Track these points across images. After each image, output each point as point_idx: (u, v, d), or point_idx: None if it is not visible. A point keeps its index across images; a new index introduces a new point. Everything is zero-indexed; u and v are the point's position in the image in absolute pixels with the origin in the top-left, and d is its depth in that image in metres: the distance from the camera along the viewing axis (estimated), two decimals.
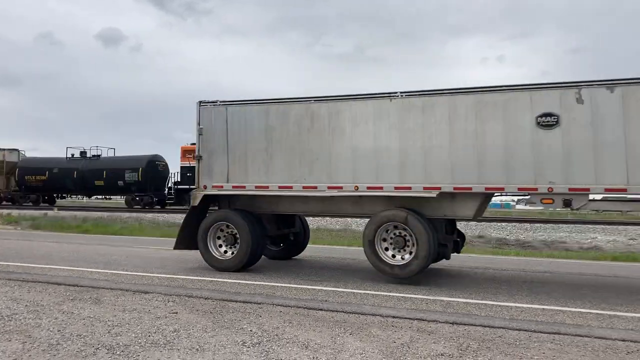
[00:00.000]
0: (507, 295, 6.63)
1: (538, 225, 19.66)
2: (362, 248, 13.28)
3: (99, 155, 34.32)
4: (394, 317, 5.34)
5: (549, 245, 15.63)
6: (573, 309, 5.81)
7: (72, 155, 34.68)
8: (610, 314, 5.58)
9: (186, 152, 31.53)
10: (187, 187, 30.80)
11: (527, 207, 26.88)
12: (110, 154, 35.12)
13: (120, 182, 32.14)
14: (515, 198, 34.11)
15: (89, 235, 16.33)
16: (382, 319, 5.25)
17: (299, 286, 7.01)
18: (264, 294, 6.42)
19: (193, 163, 32.92)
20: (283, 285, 7.09)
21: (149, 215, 24.11)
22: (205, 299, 6.12)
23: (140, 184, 31.89)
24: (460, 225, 10.56)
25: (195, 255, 10.74)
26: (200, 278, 7.60)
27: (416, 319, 5.28)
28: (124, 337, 4.52)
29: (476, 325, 5.04)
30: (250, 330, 4.76)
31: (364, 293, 6.59)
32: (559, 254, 13.32)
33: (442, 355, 4.15)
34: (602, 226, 19.20)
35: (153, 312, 5.43)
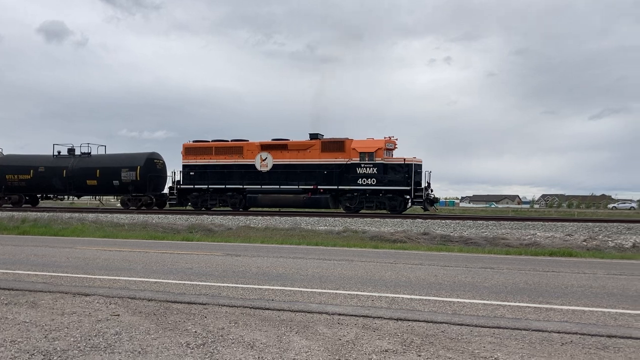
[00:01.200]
0: (450, 290, 6.80)
1: (480, 222, 20.25)
2: (310, 246, 13.38)
3: (89, 153, 32.06)
4: (340, 314, 5.38)
5: (490, 242, 16.09)
6: (512, 303, 6.01)
7: (59, 152, 32.30)
8: (546, 307, 5.81)
9: (190, 150, 30.14)
10: (191, 186, 29.23)
11: (471, 205, 27.67)
12: (101, 151, 32.88)
13: (115, 182, 30.18)
14: (459, 196, 35.11)
15: (28, 237, 15.70)
16: (328, 317, 5.28)
17: (245, 286, 6.96)
18: (210, 294, 6.34)
19: (197, 161, 29.35)
20: (229, 285, 7.03)
21: (141, 217, 23.40)
22: (149, 300, 5.99)
23: (138, 183, 29.99)
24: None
25: (140, 255, 10.51)
26: (144, 279, 7.43)
27: (362, 315, 5.33)
28: (61, 341, 4.36)
29: (420, 321, 5.14)
30: (195, 332, 4.69)
31: (311, 291, 6.61)
32: (500, 250, 13.75)
33: (386, 351, 4.20)
34: (541, 223, 19.99)
35: (94, 314, 5.27)
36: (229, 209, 28.83)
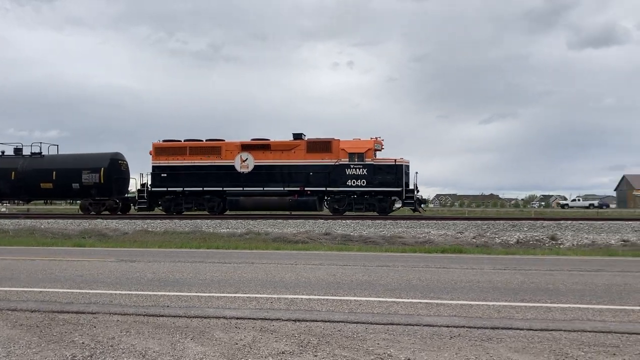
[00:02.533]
0: (347, 289, 6.93)
1: (379, 222, 20.86)
2: (210, 250, 13.13)
3: (41, 153, 29.06)
4: (237, 318, 5.31)
5: (388, 240, 16.63)
6: (406, 300, 6.23)
7: (3, 152, 28.98)
8: (437, 303, 6.08)
9: (161, 150, 27.64)
10: (164, 189, 27.41)
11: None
12: (53, 151, 29.61)
13: (75, 185, 27.58)
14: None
15: None
16: (225, 321, 5.19)
17: (140, 293, 6.69)
18: (101, 303, 6.03)
19: (170, 162, 26.95)
20: (122, 292, 6.72)
21: (28, 222, 21.52)
22: (32, 311, 5.59)
23: (101, 186, 27.65)
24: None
25: (24, 264, 9.80)
26: (27, 289, 6.93)
27: (260, 318, 5.30)
28: None
29: (317, 321, 5.19)
30: (82, 343, 4.43)
31: (209, 296, 6.47)
32: (396, 248, 14.24)
33: (283, 353, 4.20)
34: (435, 221, 20.93)
35: None
36: (205, 212, 27.27)
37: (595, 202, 71.89)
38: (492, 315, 5.46)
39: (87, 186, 27.58)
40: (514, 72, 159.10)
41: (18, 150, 29.28)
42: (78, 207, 29.81)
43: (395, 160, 26.06)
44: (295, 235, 17.20)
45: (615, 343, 4.42)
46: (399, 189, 25.69)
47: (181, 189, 27.09)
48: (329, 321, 5.19)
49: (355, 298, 6.34)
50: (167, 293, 6.66)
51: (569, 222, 20.89)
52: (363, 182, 25.83)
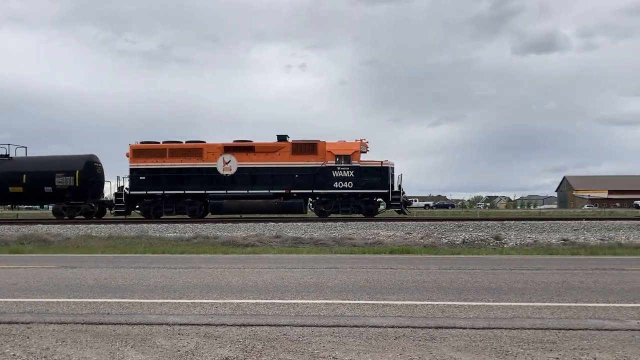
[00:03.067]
0: (295, 292, 6.89)
1: (329, 224, 20.92)
2: (155, 255, 12.82)
3: (8, 155, 27.50)
4: (181, 324, 5.18)
5: (338, 242, 16.68)
6: (352, 301, 6.25)
7: None
8: (383, 303, 6.12)
9: (139, 152, 26.87)
10: (143, 192, 26.45)
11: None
12: (21, 153, 27.89)
13: (48, 189, 26.15)
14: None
15: None
16: (168, 328, 5.06)
17: (79, 300, 6.45)
18: (36, 312, 5.77)
19: (149, 164, 25.86)
20: (61, 300, 6.46)
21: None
22: None
23: (77, 189, 26.39)
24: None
25: None
26: None
27: (204, 324, 5.19)
28: None
29: (263, 325, 5.13)
30: (14, 355, 4.22)
31: (152, 302, 6.30)
32: (346, 249, 14.30)
33: (227, 359, 4.12)
34: (384, 222, 21.16)
35: None
36: (185, 216, 26.38)
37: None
38: (437, 315, 5.53)
39: (61, 190, 26.41)
40: (461, 76, 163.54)
41: None
42: (51, 210, 28.39)
43: (381, 162, 26.24)
44: (245, 239, 17.02)
45: (552, 339, 4.55)
46: (386, 191, 25.95)
47: (161, 192, 26.38)
48: (275, 325, 5.13)
49: (302, 301, 6.30)
50: (109, 300, 6.44)
51: (513, 222, 21.53)
52: (350, 184, 25.90)
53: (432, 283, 7.70)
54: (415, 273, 8.84)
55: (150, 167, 26.50)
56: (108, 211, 28.64)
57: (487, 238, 17.52)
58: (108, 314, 5.68)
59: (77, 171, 26.53)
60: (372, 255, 12.72)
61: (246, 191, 25.96)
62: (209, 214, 26.98)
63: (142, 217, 26.89)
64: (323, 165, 25.87)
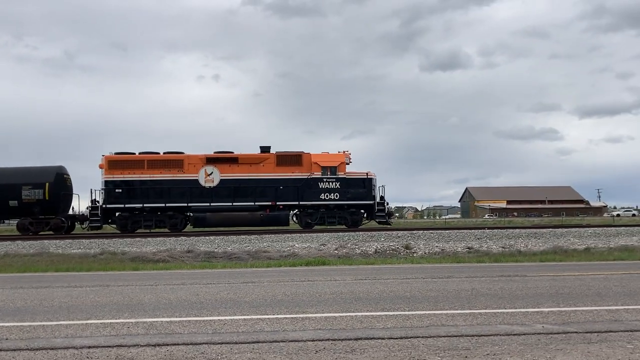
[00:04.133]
0: (211, 309, 6.70)
1: (244, 237, 20.67)
2: (59, 273, 12.06)
3: None
4: (89, 347, 4.87)
5: (253, 256, 16.50)
6: (271, 316, 6.16)
7: None
8: (302, 317, 6.08)
9: (114, 164, 25.46)
10: (121, 205, 24.97)
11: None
12: None
13: (13, 202, 24.14)
14: None
15: None
16: (76, 351, 4.74)
17: None
18: None
19: (125, 176, 24.41)
20: None
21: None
22: None
23: (46, 203, 24.48)
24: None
25: None
26: None
27: (115, 345, 4.91)
28: None
29: (179, 344, 4.93)
30: None
31: (56, 324, 5.89)
32: (261, 263, 14.16)
33: None
34: (299, 234, 21.20)
35: None
36: (164, 230, 24.91)
37: None
38: (355, 326, 5.57)
39: (28, 203, 24.53)
40: (372, 92, 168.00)
41: None
42: (16, 226, 26.37)
43: (367, 173, 26.57)
44: (155, 254, 16.42)
45: (466, 346, 4.71)
46: (371, 202, 26.25)
47: (140, 205, 25.19)
48: (191, 344, 4.95)
49: (219, 317, 6.14)
50: (6, 324, 5.95)
51: (421, 231, 22.29)
52: (336, 196, 26.00)
53: (349, 294, 7.77)
54: (332, 284, 8.89)
55: (127, 179, 25.51)
56: (77, 225, 27.11)
57: (398, 247, 18.02)
58: (6, 339, 5.24)
59: (47, 184, 24.78)
60: (288, 267, 12.68)
61: (230, 203, 25.45)
62: (188, 227, 26.34)
63: (117, 231, 25.55)
64: (309, 177, 25.95)
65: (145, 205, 25.34)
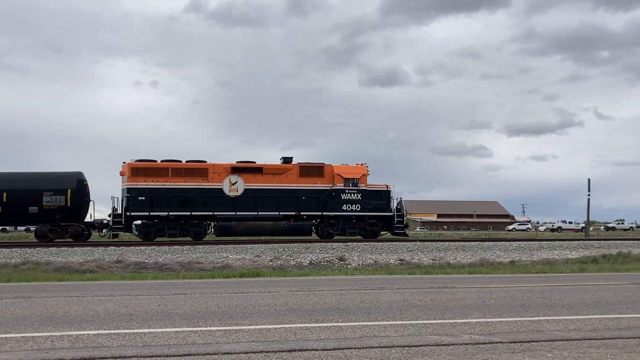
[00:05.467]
0: (141, 321, 6.52)
1: (176, 247, 20.24)
2: None
3: None
4: None
5: (185, 267, 16.18)
6: (204, 328, 6.06)
7: None
8: (235, 329, 6.02)
9: (138, 171, 24.94)
10: (145, 213, 24.56)
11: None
12: None
13: (33, 208, 23.34)
14: None
15: None
16: None
17: None
18: None
19: (149, 184, 23.95)
20: None
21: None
22: None
23: (67, 210, 23.78)
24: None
25: None
26: None
27: None
28: None
29: (107, 358, 4.77)
30: None
31: None
32: (194, 274, 13.91)
33: None
34: (233, 246, 20.97)
35: None
36: (185, 239, 24.56)
37: None
38: (289, 338, 5.57)
39: (49, 210, 23.74)
40: (311, 104, 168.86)
41: None
42: (34, 233, 25.43)
43: (386, 186, 27.40)
44: (82, 264, 15.79)
45: (397, 356, 4.81)
46: (390, 214, 26.94)
47: (165, 213, 24.88)
48: (120, 357, 4.80)
49: (149, 330, 5.98)
50: None
51: (355, 243, 22.56)
52: (357, 207, 26.48)
53: (284, 306, 7.76)
54: (267, 296, 8.85)
55: (152, 186, 25.05)
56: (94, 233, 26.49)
57: (332, 259, 18.17)
58: None
59: (69, 190, 24.14)
60: (222, 279, 12.51)
61: (255, 213, 25.52)
62: (208, 236, 26.04)
63: (138, 239, 25.41)
64: (332, 188, 26.46)
65: (170, 213, 25.07)
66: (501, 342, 5.35)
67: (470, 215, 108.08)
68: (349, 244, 22.38)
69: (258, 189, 25.93)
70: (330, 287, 10.39)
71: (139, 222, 25.68)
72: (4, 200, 23.72)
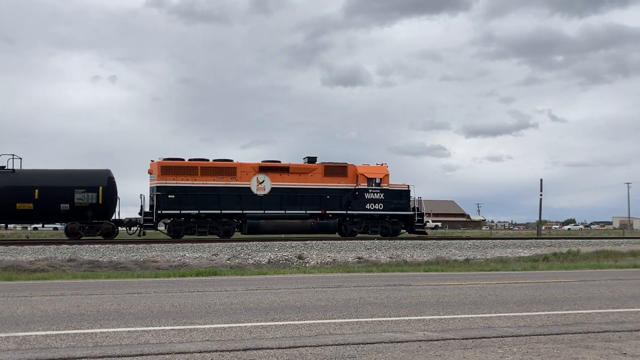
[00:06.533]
0: (93, 321, 6.36)
1: (131, 245, 19.85)
2: None
3: (12, 169, 23.82)
4: None
5: (141, 265, 15.90)
6: (157, 328, 5.96)
7: None
8: (190, 328, 5.94)
9: (167, 169, 25.27)
10: (177, 211, 24.89)
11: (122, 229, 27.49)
12: (16, 165, 24.03)
13: (64, 206, 23.34)
14: None
15: None
16: None
17: None
18: None
19: (178, 182, 23.84)
20: None
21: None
22: None
23: (99, 207, 24.02)
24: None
25: None
26: None
27: None
28: None
29: (56, 359, 4.64)
30: None
31: None
32: (149, 273, 13.67)
33: None
34: (190, 244, 20.72)
35: None
36: (210, 237, 24.82)
37: None
38: (244, 337, 5.54)
39: (80, 207, 23.81)
40: (274, 102, 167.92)
41: None
42: (65, 230, 25.25)
43: (407, 185, 28.31)
44: (32, 263, 15.32)
45: (352, 354, 4.84)
46: (411, 213, 27.92)
47: (196, 211, 25.23)
48: (69, 358, 4.67)
49: (101, 330, 5.84)
50: None
51: (314, 242, 22.61)
52: (380, 206, 27.31)
53: (240, 305, 7.71)
54: (223, 295, 8.77)
55: (181, 185, 25.33)
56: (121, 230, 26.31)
57: (291, 257, 18.17)
58: None
59: (101, 187, 24.26)
60: (177, 278, 12.34)
61: (284, 211, 26.10)
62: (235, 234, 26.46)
63: (167, 236, 25.78)
64: (356, 187, 27.22)
65: (201, 211, 25.36)
66: (454, 339, 5.45)
67: (427, 214, 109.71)
68: (307, 242, 22.41)
69: (284, 187, 26.59)
70: (287, 285, 10.38)
71: (168, 220, 25.98)
72: (36, 197, 23.50)
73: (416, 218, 28.16)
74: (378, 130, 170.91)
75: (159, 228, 26.81)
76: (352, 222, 27.47)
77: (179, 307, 7.44)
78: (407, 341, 5.33)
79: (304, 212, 26.52)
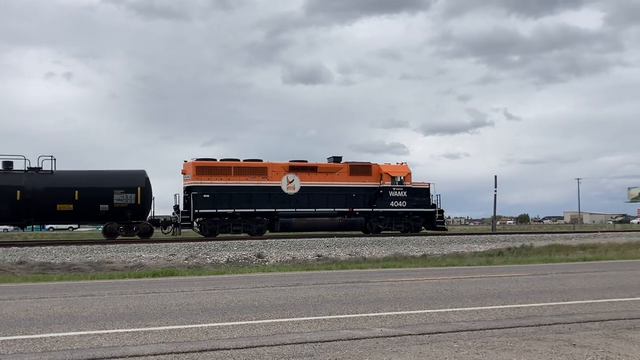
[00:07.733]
0: (43, 325, 6.15)
1: (85, 246, 19.35)
2: None
3: (41, 169, 23.81)
4: None
5: (95, 267, 15.51)
6: (110, 331, 5.81)
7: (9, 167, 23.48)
8: (144, 330, 5.81)
9: (202, 169, 26.00)
10: (213, 210, 25.71)
11: (81, 229, 27.01)
12: (47, 166, 24.05)
13: (104, 207, 23.75)
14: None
15: None
16: None
17: None
18: None
19: (213, 182, 24.21)
20: None
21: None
22: None
23: (137, 208, 24.42)
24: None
25: None
26: None
27: None
28: None
29: None
30: None
31: None
32: (104, 274, 13.34)
33: None
34: (146, 244, 20.34)
35: None
36: (242, 235, 25.92)
37: None
38: (201, 338, 5.45)
39: (119, 208, 24.12)
40: (234, 99, 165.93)
41: (8, 164, 23.59)
42: (102, 230, 25.66)
43: (428, 184, 29.49)
44: None
45: (310, 352, 4.83)
46: (432, 210, 29.02)
47: (231, 210, 26.07)
48: None
49: (51, 335, 5.65)
50: None
51: (274, 240, 22.54)
52: (403, 204, 28.40)
53: (197, 305, 7.60)
54: (179, 296, 8.63)
55: (216, 185, 25.96)
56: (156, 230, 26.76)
57: (250, 256, 18.06)
58: None
59: (139, 188, 24.51)
60: (133, 279, 12.07)
61: (313, 209, 27.03)
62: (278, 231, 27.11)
63: (200, 235, 26.46)
64: (381, 186, 28.23)
65: (236, 210, 26.18)
66: (410, 334, 5.50)
67: None
68: (267, 240, 22.32)
69: (313, 186, 27.48)
70: (245, 284, 10.29)
71: (199, 220, 26.61)
72: (76, 198, 23.69)
73: (437, 215, 29.33)
74: (338, 128, 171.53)
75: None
76: (377, 219, 28.45)
77: (134, 309, 7.28)
78: (364, 338, 5.35)
79: (332, 209, 27.46)
